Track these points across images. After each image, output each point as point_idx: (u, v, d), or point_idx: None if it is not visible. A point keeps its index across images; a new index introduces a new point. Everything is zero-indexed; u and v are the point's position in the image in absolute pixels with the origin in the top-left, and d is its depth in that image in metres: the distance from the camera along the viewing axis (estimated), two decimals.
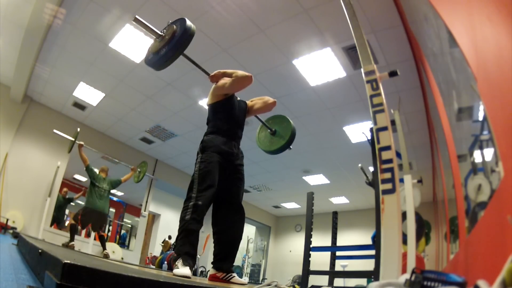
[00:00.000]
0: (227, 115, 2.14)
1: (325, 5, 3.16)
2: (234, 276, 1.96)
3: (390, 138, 1.21)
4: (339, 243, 4.22)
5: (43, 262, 1.05)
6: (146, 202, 7.21)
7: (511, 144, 0.76)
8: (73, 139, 4.64)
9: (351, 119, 4.97)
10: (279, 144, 2.70)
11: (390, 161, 1.18)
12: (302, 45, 3.74)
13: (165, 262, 5.53)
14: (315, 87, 4.37)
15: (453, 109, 1.85)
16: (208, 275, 2.13)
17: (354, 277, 4.60)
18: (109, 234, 10.12)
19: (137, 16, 1.96)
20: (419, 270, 0.65)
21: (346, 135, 5.37)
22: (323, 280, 4.00)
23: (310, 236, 3.62)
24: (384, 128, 1.23)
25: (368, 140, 3.22)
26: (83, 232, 6.78)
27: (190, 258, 1.76)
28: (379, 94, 1.29)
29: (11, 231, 4.74)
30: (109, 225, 10.09)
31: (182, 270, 1.65)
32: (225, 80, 2.11)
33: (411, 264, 2.08)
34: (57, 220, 6.38)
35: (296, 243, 9.85)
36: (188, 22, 1.89)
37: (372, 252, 2.94)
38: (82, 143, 4.66)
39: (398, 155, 2.66)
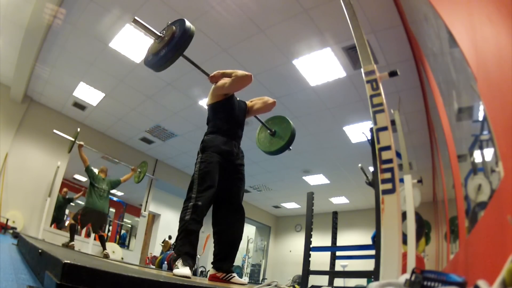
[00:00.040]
0: (227, 115, 2.14)
1: (325, 5, 3.16)
2: (234, 276, 1.96)
3: (390, 138, 1.21)
4: (339, 243, 4.22)
5: (43, 262, 1.05)
6: (146, 202, 7.21)
7: (511, 144, 0.76)
8: (73, 139, 4.64)
9: (351, 119, 4.97)
10: (278, 145, 2.69)
11: (390, 161, 1.18)
12: (302, 45, 3.74)
13: (165, 262, 5.53)
14: (315, 87, 4.37)
15: (453, 109, 1.85)
16: (208, 275, 2.13)
17: (354, 277, 4.61)
18: (109, 234, 10.12)
19: (136, 18, 1.96)
20: (419, 270, 0.65)
21: (346, 135, 5.37)
22: (323, 280, 4.00)
23: (310, 236, 3.62)
24: (384, 128, 1.23)
25: (368, 140, 3.22)
26: (83, 232, 6.78)
27: (190, 258, 1.75)
28: (379, 94, 1.29)
29: (11, 231, 4.74)
30: (109, 225, 10.09)
31: (182, 270, 1.65)
32: (225, 80, 2.11)
33: (411, 264, 2.08)
34: (57, 220, 6.38)
35: (296, 243, 9.85)
36: (188, 23, 1.89)
37: (372, 252, 2.94)
38: (82, 143, 4.66)
39: (398, 155, 2.66)
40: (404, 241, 2.12)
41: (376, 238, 3.04)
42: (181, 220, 1.84)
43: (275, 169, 7.21)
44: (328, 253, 4.01)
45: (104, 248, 4.79)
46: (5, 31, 4.16)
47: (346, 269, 5.74)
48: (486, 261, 0.97)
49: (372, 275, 2.77)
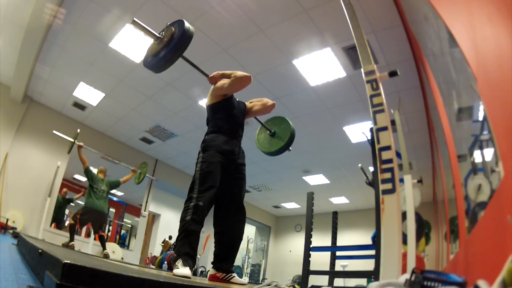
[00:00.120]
0: (227, 115, 2.14)
1: (325, 5, 3.16)
2: (234, 276, 1.96)
3: (390, 138, 1.21)
4: (339, 243, 4.22)
5: (43, 262, 1.05)
6: (146, 202, 7.21)
7: (511, 144, 0.76)
8: (72, 140, 4.64)
9: (351, 119, 4.97)
10: (278, 145, 2.69)
11: (390, 161, 1.18)
12: (302, 45, 3.74)
13: (165, 262, 5.53)
14: (315, 87, 4.37)
15: (453, 109, 1.85)
16: (208, 275, 2.13)
17: (354, 277, 4.61)
18: (109, 234, 10.12)
19: (135, 19, 1.96)
20: (419, 270, 0.65)
21: (346, 135, 5.37)
22: (323, 280, 4.00)
23: (310, 236, 3.62)
24: (384, 128, 1.23)
25: (368, 140, 3.22)
26: (83, 232, 6.78)
27: (190, 259, 1.75)
28: (379, 94, 1.29)
29: (11, 231, 4.74)
30: (109, 225, 10.09)
31: (182, 270, 1.65)
32: (224, 81, 2.11)
33: (411, 264, 2.08)
34: (57, 221, 6.38)
35: (296, 243, 9.85)
36: (187, 24, 1.89)
37: (372, 252, 2.94)
38: (81, 144, 4.66)
39: (398, 155, 2.66)
40: (404, 241, 2.12)
41: (376, 238, 3.04)
42: (182, 220, 1.83)
43: (275, 169, 7.21)
44: (328, 253, 4.01)
45: (104, 248, 4.79)
46: (5, 31, 4.16)
47: (346, 269, 5.74)
48: (486, 261, 0.97)
49: (372, 275, 2.77)
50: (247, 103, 2.37)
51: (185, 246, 1.78)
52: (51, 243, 3.98)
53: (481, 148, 1.28)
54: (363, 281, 4.57)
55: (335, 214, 4.23)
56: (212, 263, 2.04)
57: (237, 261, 9.50)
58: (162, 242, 7.66)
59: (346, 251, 4.15)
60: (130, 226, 11.74)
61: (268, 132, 2.76)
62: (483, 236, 1.12)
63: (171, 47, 1.88)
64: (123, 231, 11.61)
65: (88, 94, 5.39)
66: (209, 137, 2.06)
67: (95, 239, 5.16)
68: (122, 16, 3.68)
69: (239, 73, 2.08)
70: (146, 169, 5.32)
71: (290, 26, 3.49)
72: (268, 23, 3.51)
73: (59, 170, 5.77)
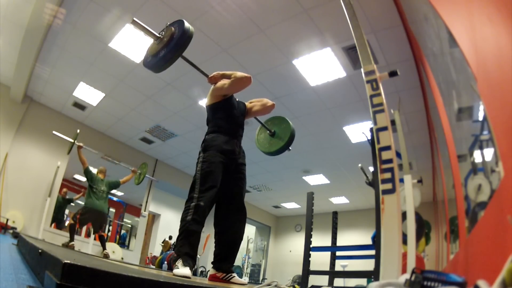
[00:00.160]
0: (227, 115, 2.14)
1: (325, 5, 3.16)
2: (234, 276, 1.96)
3: (390, 138, 1.21)
4: (339, 243, 4.22)
5: (43, 262, 1.05)
6: (146, 202, 7.21)
7: (511, 144, 0.76)
8: (72, 141, 4.63)
9: (351, 119, 4.97)
10: (278, 145, 2.69)
11: (390, 161, 1.18)
12: (302, 45, 3.74)
13: (165, 262, 5.53)
14: (315, 87, 4.37)
15: (453, 109, 1.85)
16: (208, 275, 2.13)
17: (354, 277, 4.61)
18: (109, 234, 10.12)
19: (135, 19, 1.96)
20: (419, 270, 0.65)
21: (346, 135, 5.37)
22: (323, 280, 4.00)
23: (310, 236, 3.62)
24: (384, 128, 1.23)
25: (368, 140, 3.22)
26: (83, 232, 6.78)
27: (190, 259, 1.75)
28: (379, 94, 1.29)
29: (11, 231, 4.74)
30: (109, 225, 10.09)
31: (182, 270, 1.65)
32: (224, 81, 2.11)
33: (411, 264, 2.08)
34: (56, 221, 6.38)
35: (296, 243, 9.85)
36: (187, 24, 1.89)
37: (372, 252, 2.94)
38: (81, 144, 4.65)
39: (398, 155, 2.66)
40: (404, 241, 2.12)
41: (376, 238, 3.04)
42: (182, 220, 1.83)
43: (275, 169, 7.21)
44: (328, 253, 4.01)
45: (104, 248, 4.79)
46: (5, 31, 4.16)
47: (346, 269, 5.74)
48: (486, 261, 0.97)
49: (372, 275, 2.77)
50: (247, 103, 2.37)
51: (185, 246, 1.78)
52: (51, 243, 3.98)
53: (481, 148, 1.28)
54: (363, 281, 4.57)
55: (335, 214, 4.23)
56: (212, 263, 2.04)
57: (237, 261, 9.50)
58: (162, 242, 7.66)
59: (346, 251, 4.15)
60: (130, 226, 11.74)
61: (268, 132, 2.76)
62: (483, 236, 1.12)
63: (171, 47, 1.88)
64: (123, 231, 11.61)
65: (88, 94, 5.39)
66: (210, 137, 2.06)
67: (95, 239, 5.16)
68: (122, 16, 3.68)
69: (239, 73, 2.08)
70: (146, 170, 5.32)
71: (290, 26, 3.49)
72: (268, 23, 3.51)
73: (59, 170, 5.77)
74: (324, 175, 7.14)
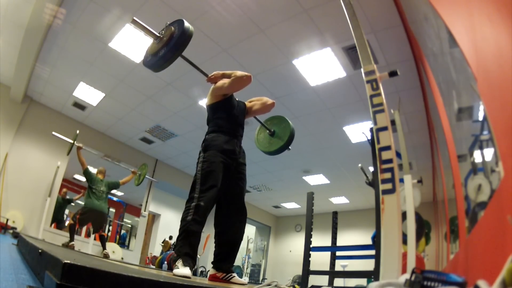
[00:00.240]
0: (227, 114, 2.14)
1: (325, 5, 3.16)
2: (234, 276, 1.96)
3: (390, 138, 1.21)
4: (339, 243, 4.22)
5: (43, 262, 1.05)
6: (146, 202, 7.21)
7: (511, 144, 0.76)
8: (72, 141, 4.62)
9: (351, 119, 4.97)
10: (278, 145, 2.69)
11: (390, 161, 1.18)
12: (302, 45, 3.74)
13: (165, 262, 5.53)
14: (315, 87, 4.37)
15: (453, 109, 1.85)
16: (208, 275, 2.13)
17: (354, 277, 4.61)
18: (109, 234, 10.12)
19: (135, 18, 1.96)
20: (419, 270, 0.65)
21: (346, 135, 5.37)
22: (323, 280, 4.00)
23: (310, 236, 3.62)
24: (384, 128, 1.23)
25: (368, 140, 3.22)
26: (83, 232, 6.78)
27: (190, 259, 1.75)
28: (379, 94, 1.29)
29: (11, 231, 4.74)
30: (109, 225, 10.09)
31: (182, 270, 1.65)
32: (224, 81, 2.11)
33: (411, 264, 2.08)
34: (56, 221, 6.38)
35: (296, 243, 9.85)
36: (186, 23, 1.89)
37: (372, 252, 2.94)
38: (81, 145, 4.65)
39: (398, 155, 2.66)
40: (404, 241, 2.12)
41: (376, 238, 3.04)
42: (183, 220, 1.83)
43: (275, 169, 7.21)
44: (328, 253, 4.01)
45: (104, 248, 4.79)
46: (5, 31, 4.16)
47: (346, 269, 5.74)
48: (486, 261, 0.97)
49: (372, 275, 2.77)
50: (246, 103, 2.37)
51: (185, 247, 1.77)
52: (51, 243, 3.98)
53: (481, 148, 1.28)
54: (363, 281, 4.57)
55: (335, 214, 4.23)
56: (212, 263, 2.04)
57: (237, 261, 9.50)
58: (162, 242, 7.66)
59: (346, 251, 4.15)
60: (130, 226, 11.74)
61: (267, 131, 2.76)
62: (483, 236, 1.12)
63: (171, 46, 1.88)
64: (123, 231, 11.61)
65: (88, 94, 5.39)
66: (210, 136, 2.06)
67: (95, 239, 5.16)
68: (122, 16, 3.68)
69: (239, 72, 2.08)
70: (146, 170, 5.32)
71: (290, 26, 3.49)
72: (268, 23, 3.51)
73: (59, 170, 5.77)
74: (324, 175, 7.14)
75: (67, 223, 6.16)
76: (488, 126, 1.02)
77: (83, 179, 8.33)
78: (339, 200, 8.41)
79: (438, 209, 4.68)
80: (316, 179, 7.39)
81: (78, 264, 0.65)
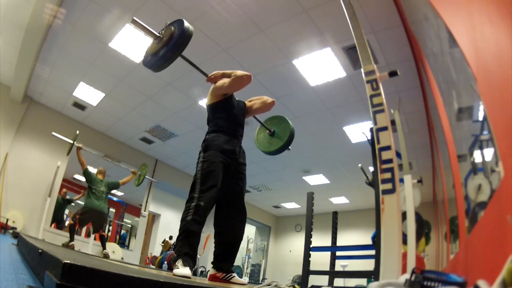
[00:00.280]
0: (227, 114, 2.14)
1: (325, 5, 3.16)
2: (234, 276, 1.96)
3: (390, 138, 1.21)
4: (339, 243, 4.22)
5: (43, 262, 1.05)
6: (146, 202, 7.21)
7: (511, 144, 0.76)
8: (71, 142, 4.62)
9: (351, 119, 4.97)
10: (277, 145, 2.69)
11: (390, 161, 1.18)
12: (302, 45, 3.74)
13: (165, 262, 5.53)
14: (315, 87, 4.37)
15: (453, 109, 1.85)
16: (208, 275, 2.13)
17: (354, 277, 4.61)
18: (109, 234, 10.12)
19: (134, 18, 1.96)
20: (419, 270, 0.65)
21: (346, 135, 5.37)
22: (323, 280, 4.00)
23: (310, 236, 3.62)
24: (384, 128, 1.23)
25: (368, 140, 3.22)
26: (83, 232, 6.78)
27: (190, 259, 1.75)
28: (379, 94, 1.29)
29: (11, 231, 4.74)
30: (109, 225, 10.09)
31: (182, 270, 1.65)
32: (224, 80, 2.11)
33: (411, 264, 2.08)
34: (56, 221, 6.38)
35: (296, 243, 9.85)
36: (186, 23, 1.89)
37: (372, 252, 2.94)
38: (81, 145, 4.65)
39: (398, 155, 2.66)
40: (404, 241, 2.12)
41: (376, 238, 3.04)
42: (183, 220, 1.83)
43: (275, 169, 7.21)
44: (328, 253, 4.01)
45: (104, 248, 4.79)
46: (5, 31, 4.16)
47: (346, 269, 5.74)
48: (486, 261, 0.97)
49: (372, 275, 2.77)
50: (246, 102, 2.37)
51: (185, 247, 1.77)
52: (51, 243, 3.98)
53: (481, 148, 1.28)
54: (363, 281, 4.57)
55: (335, 214, 4.23)
56: (212, 263, 2.04)
57: (237, 261, 9.50)
58: (162, 242, 7.66)
59: (346, 251, 4.15)
60: (130, 226, 11.74)
61: (267, 131, 2.76)
62: (483, 236, 1.12)
63: (170, 46, 1.88)
64: (123, 231, 11.61)
65: (88, 94, 5.39)
66: (210, 136, 2.05)
67: (95, 239, 5.16)
68: (122, 16, 3.68)
69: (239, 72, 2.08)
70: (146, 171, 5.32)
71: (290, 26, 3.49)
72: (268, 23, 3.51)
73: (59, 170, 5.77)
74: (324, 175, 7.14)
75: (67, 223, 6.17)
76: (488, 126, 1.02)
77: (83, 179, 8.32)
78: (339, 200, 8.41)
79: (438, 209, 4.68)
80: (316, 179, 7.38)
81: (78, 264, 0.65)
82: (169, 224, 9.48)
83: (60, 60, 4.61)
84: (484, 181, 1.25)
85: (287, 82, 4.38)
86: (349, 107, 4.69)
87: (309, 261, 3.49)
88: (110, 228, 10.36)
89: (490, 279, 0.52)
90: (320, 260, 4.09)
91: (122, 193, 10.48)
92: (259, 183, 8.11)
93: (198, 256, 6.24)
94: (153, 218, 9.98)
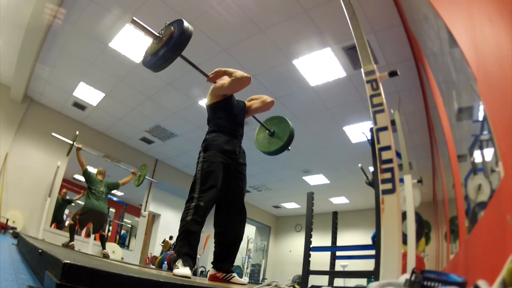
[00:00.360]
0: (227, 114, 2.14)
1: (325, 5, 3.16)
2: (234, 276, 1.96)
3: (390, 138, 1.21)
4: (339, 243, 4.22)
5: (43, 262, 1.05)
6: (146, 202, 7.21)
7: (511, 144, 0.76)
8: (71, 143, 4.62)
9: (351, 119, 4.97)
10: (277, 145, 2.69)
11: (390, 161, 1.18)
12: (302, 45, 3.74)
13: (165, 262, 5.53)
14: (315, 87, 4.37)
15: (453, 109, 1.85)
16: (208, 275, 2.13)
17: (354, 277, 4.61)
18: (109, 234, 10.12)
19: (134, 18, 1.96)
20: (419, 270, 0.65)
21: (346, 135, 5.37)
22: (323, 280, 4.00)
23: (310, 236, 3.61)
24: (384, 128, 1.23)
25: (368, 140, 3.22)
26: (83, 232, 6.77)
27: (190, 259, 1.75)
28: (379, 94, 1.29)
29: (11, 231, 4.74)
30: (109, 225, 10.08)
31: (182, 270, 1.65)
32: (224, 81, 2.11)
33: (411, 264, 2.08)
34: (56, 221, 6.38)
35: (296, 243, 9.85)
36: (186, 23, 1.89)
37: (372, 252, 2.94)
38: (80, 146, 4.64)
39: (398, 155, 2.66)
40: (404, 241, 2.12)
41: (376, 238, 3.04)
42: (182, 220, 1.83)
43: (275, 169, 7.21)
44: (328, 253, 4.01)
45: (104, 248, 4.79)
46: (5, 31, 4.16)
47: (346, 269, 5.74)
48: (486, 261, 0.97)
49: (372, 275, 2.77)
50: (246, 102, 2.37)
51: (185, 247, 1.77)
52: (51, 243, 3.98)
53: (481, 148, 1.28)
54: (363, 281, 4.57)
55: (335, 214, 4.23)
56: (212, 263, 2.04)
57: (237, 261, 9.50)
58: (162, 242, 7.67)
59: (346, 251, 4.15)
60: (130, 226, 11.74)
61: (267, 131, 2.76)
62: (483, 236, 1.12)
63: (170, 46, 1.88)
64: (123, 231, 11.61)
65: (88, 94, 5.39)
66: (210, 136, 2.05)
67: (95, 239, 5.16)
68: (122, 16, 3.68)
69: (239, 73, 2.08)
70: (146, 171, 5.31)
71: (290, 26, 3.49)
72: (268, 23, 3.51)
73: (59, 170, 5.77)
74: (324, 175, 7.14)
75: (67, 223, 6.17)
76: (488, 126, 1.02)
77: (83, 179, 8.32)
78: (339, 200, 8.41)
79: (438, 209, 4.68)
80: (316, 179, 7.38)
81: (78, 264, 0.65)
82: (169, 224, 9.48)
83: (60, 60, 4.61)
84: (484, 181, 1.25)
85: (287, 82, 4.38)
86: (349, 107, 4.69)
87: (309, 261, 3.48)
88: (110, 228, 10.35)
89: (490, 279, 0.52)
90: (320, 260, 4.09)
91: (122, 193, 10.48)
92: (259, 183, 8.11)
93: (198, 256, 6.24)
94: (153, 218, 9.98)
